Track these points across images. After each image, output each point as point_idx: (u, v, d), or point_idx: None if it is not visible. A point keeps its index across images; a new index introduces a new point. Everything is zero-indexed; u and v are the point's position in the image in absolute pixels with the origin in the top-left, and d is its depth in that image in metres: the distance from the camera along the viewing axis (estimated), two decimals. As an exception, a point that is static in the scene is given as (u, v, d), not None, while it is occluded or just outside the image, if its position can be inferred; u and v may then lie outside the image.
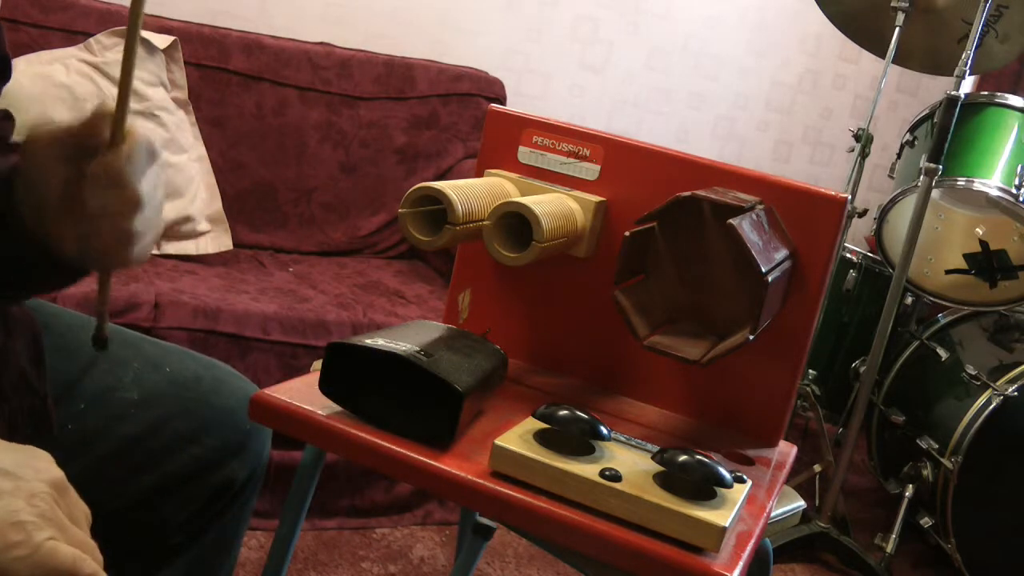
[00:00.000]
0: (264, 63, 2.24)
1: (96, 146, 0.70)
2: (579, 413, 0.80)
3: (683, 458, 0.76)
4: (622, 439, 0.85)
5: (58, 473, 0.59)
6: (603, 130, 1.03)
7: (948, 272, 2.28)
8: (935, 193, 2.20)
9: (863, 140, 2.23)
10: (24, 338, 0.84)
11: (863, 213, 2.29)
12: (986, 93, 2.15)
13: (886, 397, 2.36)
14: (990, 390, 2.04)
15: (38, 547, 0.54)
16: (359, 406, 0.84)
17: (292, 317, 1.80)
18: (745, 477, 0.82)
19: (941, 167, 1.93)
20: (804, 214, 0.96)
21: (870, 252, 2.39)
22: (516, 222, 0.90)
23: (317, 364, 0.87)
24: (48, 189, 0.71)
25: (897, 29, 2.16)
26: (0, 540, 0.53)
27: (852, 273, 2.37)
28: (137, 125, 0.71)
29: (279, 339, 1.77)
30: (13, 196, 0.73)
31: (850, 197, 1.87)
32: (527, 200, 0.91)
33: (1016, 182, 2.01)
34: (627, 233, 0.87)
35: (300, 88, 2.29)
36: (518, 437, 0.80)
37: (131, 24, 0.70)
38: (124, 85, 0.70)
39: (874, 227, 2.21)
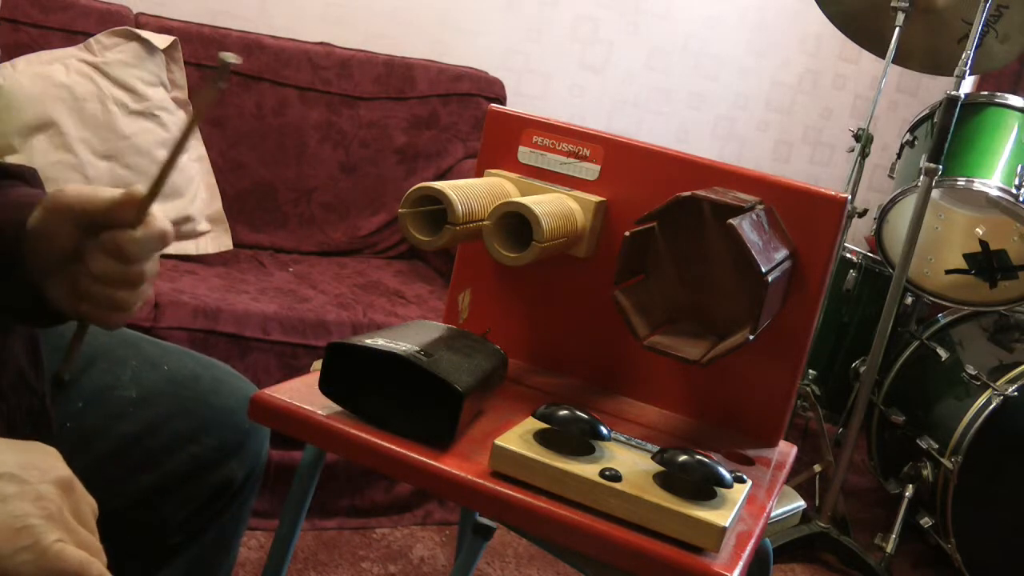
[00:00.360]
0: (264, 63, 2.24)
1: (115, 223, 0.72)
2: (579, 413, 0.80)
3: (683, 458, 0.76)
4: (622, 439, 0.85)
5: (64, 471, 0.59)
6: (603, 130, 1.03)
7: (948, 272, 2.28)
8: (935, 193, 2.19)
9: (863, 140, 2.23)
10: (22, 338, 0.84)
11: (863, 213, 2.29)
12: (986, 93, 2.15)
13: (886, 397, 2.36)
14: (990, 390, 2.04)
15: (46, 550, 0.54)
16: (359, 406, 0.84)
17: (292, 317, 1.80)
18: (745, 477, 0.82)
19: (941, 167, 1.93)
20: (804, 214, 0.95)
21: (870, 252, 2.39)
22: (516, 222, 0.90)
23: (317, 364, 0.87)
24: (52, 246, 0.73)
25: (897, 29, 2.16)
26: (8, 544, 0.53)
27: (852, 273, 2.37)
28: (158, 214, 0.74)
29: (279, 339, 1.77)
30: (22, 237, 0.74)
31: (850, 197, 1.87)
32: (527, 200, 0.91)
33: (1016, 182, 2.01)
34: (627, 233, 0.87)
35: (300, 88, 2.29)
36: (518, 437, 0.80)
37: (187, 128, 0.71)
38: (163, 176, 0.73)
39: (874, 227, 2.21)
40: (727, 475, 0.76)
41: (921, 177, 1.95)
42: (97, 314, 0.75)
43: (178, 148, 0.72)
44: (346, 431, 0.82)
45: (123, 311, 0.75)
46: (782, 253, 0.90)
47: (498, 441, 0.78)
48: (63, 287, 0.75)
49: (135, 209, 0.72)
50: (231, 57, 0.66)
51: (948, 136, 1.92)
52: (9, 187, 0.80)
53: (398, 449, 0.80)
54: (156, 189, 0.73)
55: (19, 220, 0.74)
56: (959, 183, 2.04)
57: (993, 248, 2.22)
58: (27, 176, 0.82)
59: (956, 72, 1.92)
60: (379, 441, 0.81)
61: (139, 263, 0.73)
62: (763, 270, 0.81)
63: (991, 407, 1.99)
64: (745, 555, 0.75)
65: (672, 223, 0.92)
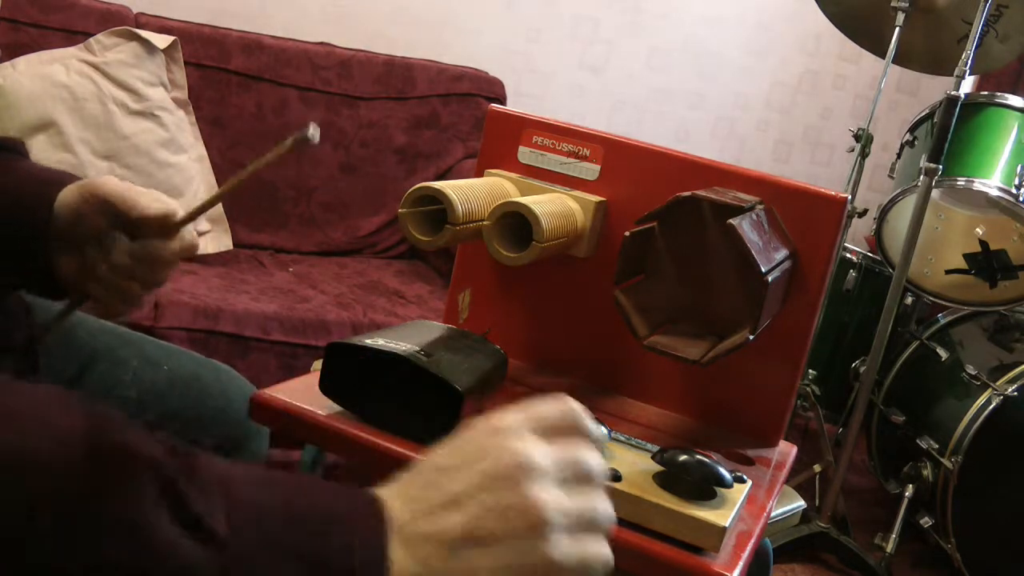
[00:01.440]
0: (264, 63, 2.24)
1: (148, 230, 0.77)
2: (579, 413, 0.80)
3: (683, 458, 0.76)
4: (622, 439, 0.85)
5: (516, 452, 0.47)
6: (603, 130, 1.03)
7: (948, 272, 2.28)
8: (935, 193, 2.19)
9: (863, 140, 2.23)
10: (14, 353, 0.85)
11: (863, 213, 2.29)
12: (986, 93, 2.14)
13: (886, 397, 2.36)
14: (990, 390, 2.04)
15: None
16: (359, 406, 0.84)
17: (292, 317, 1.80)
18: (745, 477, 0.82)
19: (941, 167, 1.93)
20: (804, 214, 0.95)
21: (870, 252, 2.39)
22: (516, 222, 0.90)
23: (317, 364, 0.87)
24: (79, 229, 0.76)
25: (897, 29, 2.16)
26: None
27: (852, 273, 2.37)
28: (192, 232, 0.80)
29: (279, 339, 1.77)
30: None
31: (850, 197, 1.87)
32: (527, 200, 0.91)
33: (1016, 182, 2.01)
34: (627, 233, 0.87)
35: (300, 88, 2.29)
36: (518, 437, 0.80)
37: (243, 175, 0.75)
38: (204, 208, 0.78)
39: (874, 227, 2.21)
40: (727, 475, 0.76)
41: (921, 177, 1.95)
42: (105, 298, 0.78)
43: (225, 190, 0.76)
44: (346, 431, 0.82)
45: (127, 304, 0.78)
46: (782, 253, 0.90)
47: (498, 441, 0.78)
48: (74, 265, 0.78)
49: (169, 226, 0.77)
50: (315, 134, 0.69)
51: (948, 136, 1.92)
52: (14, 160, 0.82)
53: (398, 449, 0.80)
54: (193, 216, 0.78)
55: (47, 196, 0.76)
56: (959, 183, 2.04)
57: (993, 248, 2.22)
58: (18, 147, 0.84)
59: (956, 72, 1.91)
60: (379, 441, 0.81)
61: (164, 267, 0.79)
62: (763, 270, 0.81)
63: (991, 407, 1.99)
64: (745, 555, 0.75)
65: (672, 223, 0.92)
